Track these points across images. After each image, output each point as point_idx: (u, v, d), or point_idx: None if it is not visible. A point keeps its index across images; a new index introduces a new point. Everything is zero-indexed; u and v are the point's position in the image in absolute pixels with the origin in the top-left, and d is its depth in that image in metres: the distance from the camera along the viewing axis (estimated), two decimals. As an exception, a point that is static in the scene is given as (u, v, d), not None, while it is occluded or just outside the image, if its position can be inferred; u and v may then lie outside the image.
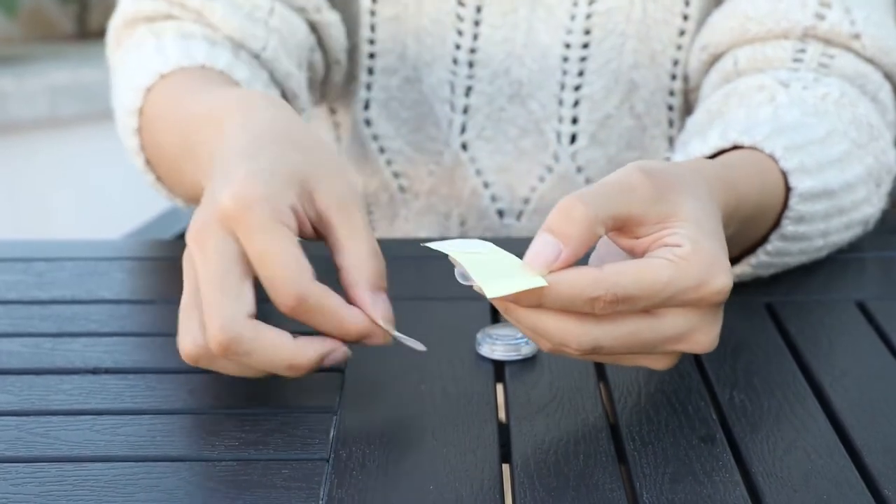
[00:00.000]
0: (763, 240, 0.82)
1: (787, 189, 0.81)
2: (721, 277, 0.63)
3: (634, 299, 0.62)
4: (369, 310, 0.66)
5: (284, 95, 0.97)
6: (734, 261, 0.83)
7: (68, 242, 0.95)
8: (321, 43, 1.01)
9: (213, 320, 0.63)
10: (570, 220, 0.62)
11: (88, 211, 2.31)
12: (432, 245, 0.66)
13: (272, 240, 0.64)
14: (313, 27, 1.00)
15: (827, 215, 0.84)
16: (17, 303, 0.82)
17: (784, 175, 0.81)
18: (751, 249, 0.83)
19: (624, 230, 0.64)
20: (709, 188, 0.67)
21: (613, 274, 0.61)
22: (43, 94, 2.23)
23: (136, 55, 0.93)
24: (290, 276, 0.64)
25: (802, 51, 0.94)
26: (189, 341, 0.65)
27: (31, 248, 0.94)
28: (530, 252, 0.62)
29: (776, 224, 0.82)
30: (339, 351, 0.66)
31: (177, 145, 0.82)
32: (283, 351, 0.64)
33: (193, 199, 0.78)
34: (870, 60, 0.94)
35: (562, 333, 0.62)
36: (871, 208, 0.88)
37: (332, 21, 1.01)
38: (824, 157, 0.84)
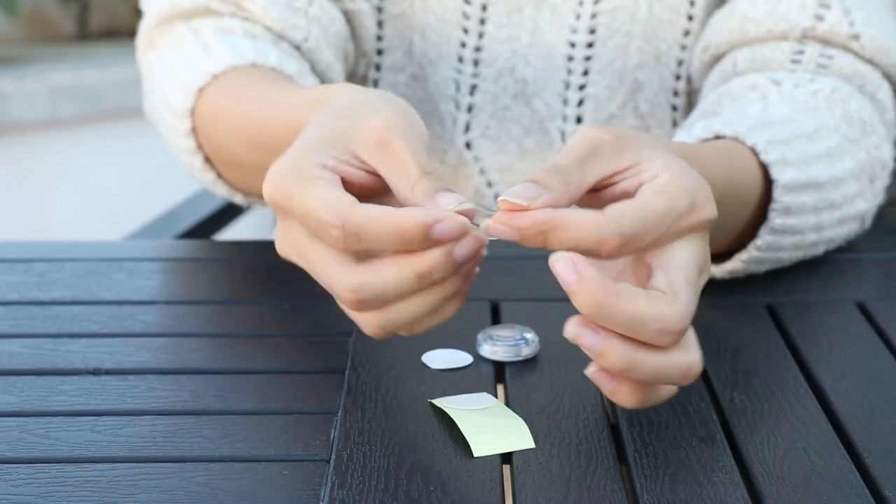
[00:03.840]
0: (752, 236, 0.83)
1: (771, 182, 0.82)
2: (705, 191, 0.64)
3: (640, 236, 0.61)
4: (426, 204, 0.62)
5: None
6: (724, 257, 0.84)
7: (69, 243, 0.95)
8: (353, 33, 1.02)
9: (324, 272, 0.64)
10: (553, 183, 0.62)
11: (89, 212, 2.31)
12: (437, 402, 0.67)
13: (302, 194, 0.63)
14: (347, 17, 1.01)
15: (817, 209, 0.84)
16: (17, 303, 0.82)
17: (766, 168, 0.82)
18: (740, 246, 0.83)
19: (599, 187, 0.65)
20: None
21: (617, 215, 0.61)
22: (43, 94, 2.23)
23: (177, 56, 0.92)
24: (327, 207, 0.62)
25: (801, 52, 0.94)
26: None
27: (32, 249, 0.94)
28: (512, 189, 0.62)
29: (764, 218, 0.82)
30: (449, 222, 0.61)
31: (242, 148, 0.82)
32: (386, 220, 0.61)
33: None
34: (869, 61, 0.94)
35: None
36: (865, 203, 0.89)
37: (365, 10, 1.01)
38: (811, 152, 0.84)
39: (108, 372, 0.72)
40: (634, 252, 0.63)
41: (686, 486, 0.60)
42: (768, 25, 0.95)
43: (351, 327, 0.78)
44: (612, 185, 0.65)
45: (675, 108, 1.05)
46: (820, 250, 0.88)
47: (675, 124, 1.05)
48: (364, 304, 0.63)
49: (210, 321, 0.82)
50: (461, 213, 0.62)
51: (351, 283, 0.63)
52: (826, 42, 0.95)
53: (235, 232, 1.34)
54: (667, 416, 0.67)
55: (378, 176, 0.66)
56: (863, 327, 0.80)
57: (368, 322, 0.64)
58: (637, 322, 0.60)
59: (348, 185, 0.65)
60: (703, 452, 0.64)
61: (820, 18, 0.94)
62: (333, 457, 0.63)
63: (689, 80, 1.04)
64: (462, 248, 0.62)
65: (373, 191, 0.66)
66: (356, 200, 0.62)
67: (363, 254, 0.63)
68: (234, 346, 0.77)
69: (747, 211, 0.82)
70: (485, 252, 0.63)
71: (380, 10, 1.03)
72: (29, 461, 0.63)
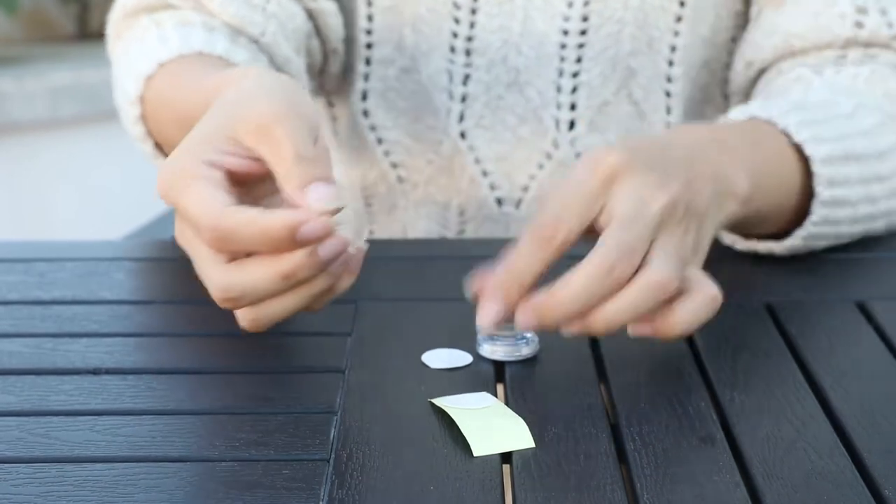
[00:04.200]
0: (806, 213, 0.86)
1: (807, 160, 0.85)
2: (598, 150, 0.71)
3: (562, 212, 0.69)
4: (298, 201, 0.64)
5: None
6: (782, 235, 0.87)
7: (69, 243, 0.95)
8: (318, 31, 1.03)
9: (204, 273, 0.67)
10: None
11: (89, 212, 2.31)
12: (436, 402, 0.68)
13: (183, 195, 0.65)
14: (310, 15, 1.02)
15: (864, 180, 0.87)
16: (18, 303, 0.82)
17: (800, 149, 0.85)
18: (794, 225, 0.86)
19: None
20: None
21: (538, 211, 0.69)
22: (43, 94, 2.23)
23: (138, 46, 0.94)
24: (200, 210, 0.64)
25: (843, 56, 0.98)
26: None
27: (32, 248, 0.94)
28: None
29: (812, 194, 0.85)
30: (313, 224, 0.63)
31: (178, 132, 0.83)
32: (253, 224, 0.63)
33: None
34: None
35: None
36: None
37: (328, 10, 1.02)
38: (850, 129, 0.87)
39: (107, 371, 0.72)
40: (580, 232, 0.69)
41: (686, 486, 0.60)
42: (812, 39, 0.98)
43: (351, 327, 0.78)
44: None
45: (668, 95, 1.05)
46: (880, 224, 0.90)
47: (668, 111, 1.05)
48: (233, 303, 0.66)
49: (210, 321, 0.82)
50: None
51: (220, 283, 0.65)
52: (868, 45, 0.98)
53: (235, 232, 1.34)
54: (667, 416, 0.67)
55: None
56: (863, 327, 0.80)
57: (242, 317, 0.67)
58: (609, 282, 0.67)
59: (236, 176, 0.67)
60: (703, 452, 0.64)
61: (860, 25, 0.97)
62: (333, 456, 0.63)
63: (684, 66, 1.04)
64: (325, 249, 0.64)
65: (262, 178, 0.67)
66: (230, 202, 0.64)
67: (242, 252, 0.65)
68: (234, 345, 0.77)
69: (792, 191, 0.85)
70: (352, 249, 0.67)
71: (369, 3, 1.04)
72: (29, 461, 0.63)
